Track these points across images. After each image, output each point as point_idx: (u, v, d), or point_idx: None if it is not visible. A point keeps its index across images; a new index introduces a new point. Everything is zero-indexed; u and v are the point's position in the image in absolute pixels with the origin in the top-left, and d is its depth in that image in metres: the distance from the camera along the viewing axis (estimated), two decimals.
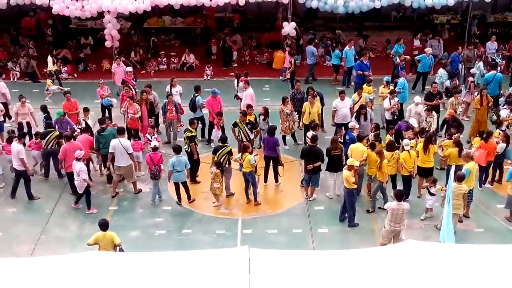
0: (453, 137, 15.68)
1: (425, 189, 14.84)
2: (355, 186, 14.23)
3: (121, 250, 12.22)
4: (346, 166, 14.24)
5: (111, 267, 8.74)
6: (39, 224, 14.66)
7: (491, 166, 15.88)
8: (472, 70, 20.73)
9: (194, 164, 16.02)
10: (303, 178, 15.65)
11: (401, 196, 13.09)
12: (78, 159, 14.70)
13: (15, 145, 15.46)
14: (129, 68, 19.97)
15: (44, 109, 17.68)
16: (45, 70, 22.21)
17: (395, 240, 13.04)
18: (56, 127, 16.68)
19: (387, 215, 13.12)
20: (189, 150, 15.91)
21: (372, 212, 14.90)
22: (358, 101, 17.82)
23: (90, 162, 16.40)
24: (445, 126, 17.53)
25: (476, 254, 9.17)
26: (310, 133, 16.03)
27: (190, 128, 16.16)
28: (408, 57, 21.30)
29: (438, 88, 18.87)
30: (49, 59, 22.06)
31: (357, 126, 16.37)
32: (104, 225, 12.28)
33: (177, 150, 15.13)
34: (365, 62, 20.66)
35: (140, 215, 15.10)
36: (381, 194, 14.95)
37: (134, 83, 19.38)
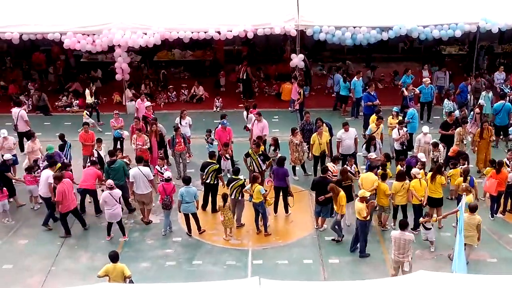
0: (461, 168, 15.67)
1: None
2: (368, 218, 14.21)
3: (131, 282, 12.22)
4: (358, 198, 14.21)
5: None
6: (50, 256, 14.68)
7: (503, 196, 15.81)
8: (481, 102, 20.78)
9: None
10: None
11: (404, 226, 13.06)
12: (112, 188, 14.84)
13: (47, 171, 15.71)
14: (148, 103, 20.13)
15: (62, 137, 17.92)
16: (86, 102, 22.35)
17: (402, 271, 13.00)
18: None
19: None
20: (215, 182, 16.00)
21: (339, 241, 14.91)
22: (376, 131, 17.86)
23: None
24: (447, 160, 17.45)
25: (489, 285, 9.13)
26: (330, 164, 16.04)
27: (212, 161, 16.25)
28: (417, 91, 21.33)
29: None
30: (87, 91, 22.26)
31: (374, 156, 16.39)
32: (114, 257, 12.28)
33: (187, 181, 15.20)
34: (372, 93, 20.79)
35: (150, 246, 15.09)
36: (336, 227, 14.90)
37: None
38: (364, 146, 17.42)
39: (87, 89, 22.44)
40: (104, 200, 14.95)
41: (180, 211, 15.28)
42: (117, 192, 14.95)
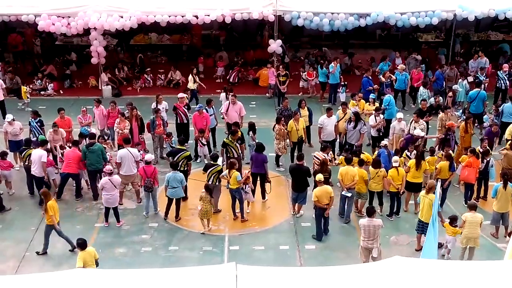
0: (444, 153, 15.82)
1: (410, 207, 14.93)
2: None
3: (97, 263, 12.45)
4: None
5: (97, 285, 8.69)
6: (24, 241, 14.53)
7: (476, 183, 15.99)
8: (454, 87, 21.00)
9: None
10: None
11: (372, 212, 13.16)
12: (110, 173, 14.75)
13: (39, 151, 15.59)
14: (181, 94, 19.23)
15: (36, 113, 17.72)
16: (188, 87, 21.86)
17: (372, 258, 13.11)
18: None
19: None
20: (185, 169, 15.83)
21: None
22: (343, 118, 17.94)
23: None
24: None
25: (463, 270, 9.23)
26: (316, 153, 16.02)
27: (183, 147, 16.16)
28: (394, 77, 21.45)
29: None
30: (190, 77, 21.80)
31: (386, 143, 16.41)
32: (83, 244, 12.36)
33: (174, 166, 15.16)
34: (370, 78, 21.08)
35: (126, 232, 15.01)
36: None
37: (186, 110, 18.76)
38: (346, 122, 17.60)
39: (190, 75, 21.92)
40: (102, 186, 14.87)
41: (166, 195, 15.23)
42: (117, 179, 14.89)
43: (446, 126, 17.22)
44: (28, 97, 21.73)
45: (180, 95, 19.13)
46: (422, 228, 13.86)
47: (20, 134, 17.47)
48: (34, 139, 17.02)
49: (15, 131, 17.37)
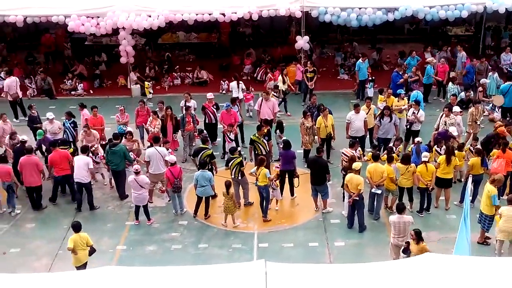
0: (474, 148, 15.62)
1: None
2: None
3: (93, 249, 12.77)
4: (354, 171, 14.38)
5: (128, 282, 8.78)
6: (57, 239, 14.73)
7: (509, 178, 15.72)
8: (482, 81, 20.64)
9: None
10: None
11: (402, 209, 13.02)
12: (137, 173, 14.85)
13: (83, 157, 15.61)
14: (210, 95, 19.04)
15: (70, 114, 17.91)
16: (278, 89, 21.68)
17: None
18: (42, 145, 17.17)
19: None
20: (210, 168, 15.70)
21: None
22: (367, 113, 17.79)
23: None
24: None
25: (495, 267, 9.09)
26: (344, 150, 15.95)
27: (206, 146, 16.15)
28: (420, 76, 21.18)
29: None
30: (280, 78, 21.75)
31: (420, 139, 16.13)
32: (78, 227, 12.64)
33: (203, 165, 15.20)
34: (400, 73, 20.88)
35: (156, 230, 15.13)
36: None
37: (214, 110, 18.65)
38: (378, 117, 17.55)
39: (280, 75, 21.86)
40: (129, 184, 15.16)
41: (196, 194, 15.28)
42: (143, 178, 14.96)
43: (497, 132, 16.69)
44: (150, 92, 22.18)
45: (209, 95, 19.06)
46: (480, 219, 13.98)
47: (58, 133, 17.72)
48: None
49: (54, 129, 17.63)
